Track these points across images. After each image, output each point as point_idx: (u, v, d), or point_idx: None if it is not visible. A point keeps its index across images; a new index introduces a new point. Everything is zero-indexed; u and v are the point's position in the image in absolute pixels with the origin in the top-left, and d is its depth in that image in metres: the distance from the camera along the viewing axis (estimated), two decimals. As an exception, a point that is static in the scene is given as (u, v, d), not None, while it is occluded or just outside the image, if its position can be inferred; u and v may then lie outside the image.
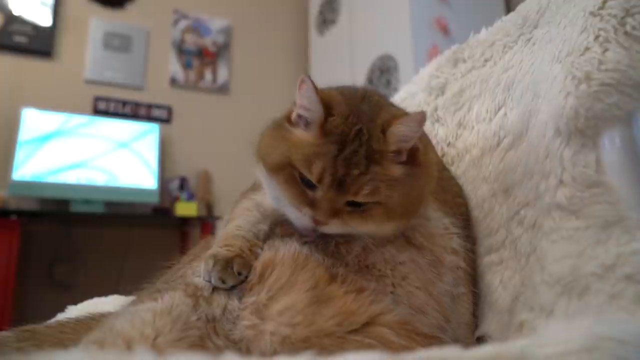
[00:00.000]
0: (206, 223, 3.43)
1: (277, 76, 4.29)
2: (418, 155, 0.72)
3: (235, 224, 0.76)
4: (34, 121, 3.12)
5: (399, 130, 0.67)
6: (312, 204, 0.67)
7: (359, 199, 0.66)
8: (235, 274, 0.66)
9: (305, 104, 0.69)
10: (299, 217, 0.69)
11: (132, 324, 0.54)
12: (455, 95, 1.05)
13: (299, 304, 0.62)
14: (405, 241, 0.74)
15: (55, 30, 3.52)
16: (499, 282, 0.79)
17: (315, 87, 0.68)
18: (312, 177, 0.66)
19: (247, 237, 0.73)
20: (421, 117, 0.67)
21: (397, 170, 0.69)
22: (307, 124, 0.70)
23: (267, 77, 4.27)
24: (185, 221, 3.50)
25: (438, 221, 0.79)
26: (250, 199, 0.83)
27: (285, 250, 0.70)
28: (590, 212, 0.60)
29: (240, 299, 0.64)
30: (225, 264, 0.66)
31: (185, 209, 3.42)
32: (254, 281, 0.67)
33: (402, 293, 0.70)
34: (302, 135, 0.70)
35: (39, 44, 3.44)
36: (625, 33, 0.62)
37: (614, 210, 0.58)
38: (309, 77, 0.68)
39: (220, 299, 0.64)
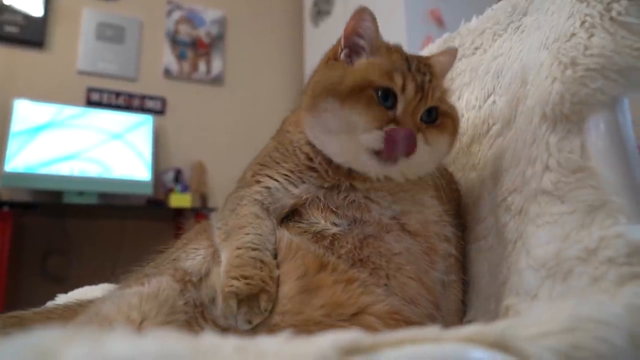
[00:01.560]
0: (200, 214, 3.43)
1: (272, 67, 4.28)
2: None
3: (247, 239, 0.68)
4: (26, 112, 3.10)
5: (439, 61, 0.80)
6: (395, 121, 0.69)
7: (434, 103, 0.72)
8: (263, 312, 0.61)
9: (366, 33, 0.76)
10: (379, 137, 0.68)
11: (119, 308, 0.55)
12: (446, 84, 1.06)
13: (288, 292, 0.63)
14: (400, 229, 0.75)
15: (47, 21, 3.49)
16: (487, 268, 0.79)
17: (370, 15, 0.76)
18: (396, 87, 0.69)
19: (265, 261, 0.66)
20: (454, 52, 0.83)
21: (445, 86, 0.79)
22: (360, 55, 0.76)
23: (262, 68, 4.25)
24: (179, 212, 3.49)
25: (433, 208, 0.79)
26: (254, 200, 0.76)
27: (278, 239, 0.70)
28: (575, 196, 0.60)
29: None
30: (251, 303, 0.60)
31: (180, 200, 3.42)
32: None
33: (396, 284, 0.70)
34: (371, 59, 0.74)
35: (30, 34, 3.41)
36: (611, 19, 0.62)
37: (598, 195, 0.58)
38: (367, 7, 0.75)
39: (210, 289, 0.65)
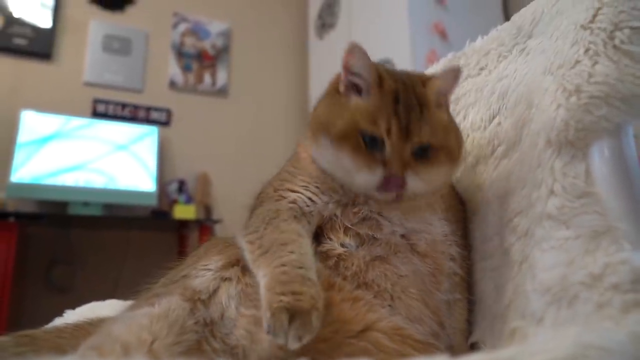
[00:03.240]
0: (204, 226, 3.44)
1: (276, 80, 4.31)
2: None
3: (293, 258, 0.66)
4: (32, 123, 3.12)
5: (438, 84, 0.78)
6: (382, 162, 0.71)
7: (423, 139, 0.72)
8: (314, 329, 0.58)
9: (359, 71, 0.76)
10: (371, 180, 0.72)
11: (129, 329, 0.55)
12: (452, 103, 1.07)
13: None
14: (409, 249, 0.76)
15: (55, 32, 3.53)
16: (493, 288, 0.80)
17: (367, 54, 0.75)
18: (381, 131, 0.71)
19: (312, 279, 0.65)
20: (456, 71, 0.79)
21: (444, 116, 0.79)
22: (359, 90, 0.77)
23: (266, 80, 4.28)
24: (183, 224, 3.51)
25: (440, 228, 0.80)
26: (294, 217, 0.76)
27: None
28: (580, 222, 0.61)
29: (237, 307, 0.65)
30: (304, 319, 0.58)
31: (184, 211, 3.43)
32: (254, 294, 0.67)
33: (400, 305, 0.71)
34: (359, 101, 0.75)
35: (38, 46, 3.45)
36: (614, 47, 0.63)
37: (603, 221, 0.59)
38: (358, 44, 0.74)
39: (218, 305, 0.65)
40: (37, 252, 3.18)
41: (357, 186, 0.75)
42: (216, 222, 3.48)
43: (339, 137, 0.73)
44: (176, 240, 3.62)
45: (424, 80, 0.79)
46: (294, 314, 0.57)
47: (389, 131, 0.71)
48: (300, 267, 0.65)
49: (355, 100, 0.76)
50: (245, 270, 0.71)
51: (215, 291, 0.67)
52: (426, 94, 0.76)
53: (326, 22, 3.98)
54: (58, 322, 0.95)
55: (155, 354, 0.53)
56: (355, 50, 0.74)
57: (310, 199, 0.78)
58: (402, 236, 0.77)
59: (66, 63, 3.56)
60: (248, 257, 0.71)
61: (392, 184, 0.71)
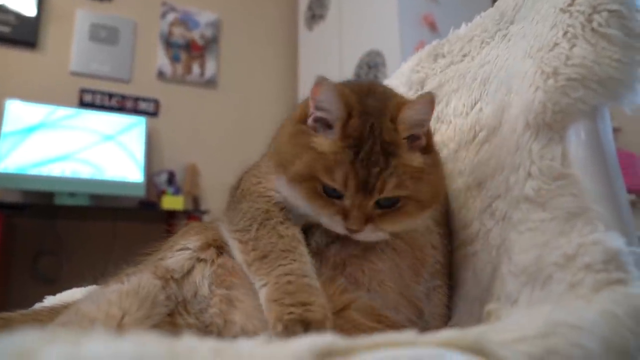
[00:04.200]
0: (193, 217, 3.43)
1: (266, 71, 4.29)
2: (431, 140, 0.73)
3: (296, 267, 0.64)
4: (18, 113, 3.08)
5: (409, 116, 0.67)
6: (342, 212, 0.66)
7: (387, 194, 0.66)
8: None
9: (326, 106, 0.68)
10: (332, 223, 0.68)
11: (98, 306, 0.55)
12: (434, 90, 1.07)
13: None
14: (386, 244, 0.74)
15: (40, 21, 3.48)
16: (472, 273, 0.80)
17: (336, 89, 0.67)
18: (337, 185, 0.65)
19: (318, 288, 0.63)
20: (429, 98, 0.67)
21: (416, 160, 0.68)
22: (327, 126, 0.69)
23: (256, 71, 4.26)
24: (171, 215, 3.49)
25: (422, 221, 0.79)
26: (288, 219, 0.73)
27: None
28: (556, 204, 0.61)
29: (209, 286, 0.65)
30: (319, 329, 0.56)
31: (172, 202, 3.41)
32: (227, 275, 0.67)
33: (376, 296, 0.71)
34: (322, 141, 0.67)
35: (23, 34, 3.40)
36: (592, 29, 0.63)
37: (578, 202, 0.59)
38: (326, 78, 0.66)
39: (192, 284, 0.65)
40: (23, 243, 3.15)
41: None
42: (204, 212, 3.47)
43: (296, 180, 0.69)
44: (164, 231, 3.59)
45: (394, 112, 0.68)
46: (308, 325, 0.55)
47: (345, 185, 0.65)
48: (305, 276, 0.63)
49: (318, 139, 0.68)
50: (220, 251, 0.71)
51: (189, 271, 0.67)
52: (396, 136, 0.67)
53: (316, 13, 3.96)
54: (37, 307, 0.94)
55: (125, 328, 0.53)
56: (323, 84, 0.66)
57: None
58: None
59: (52, 52, 3.52)
60: (240, 257, 0.68)
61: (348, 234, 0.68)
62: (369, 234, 0.67)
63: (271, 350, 0.34)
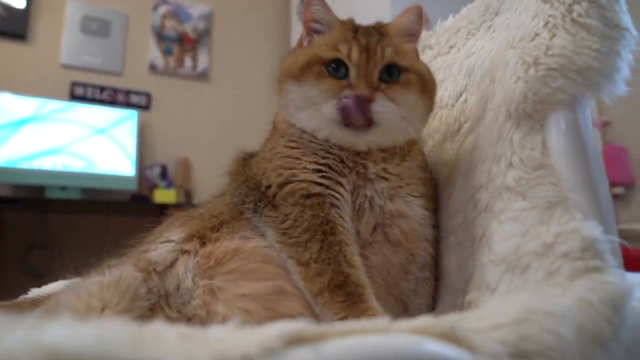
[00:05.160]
0: (185, 210, 3.42)
1: (258, 63, 4.26)
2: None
3: (375, 312, 0.63)
4: (8, 106, 3.06)
5: (397, 22, 0.80)
6: (350, 87, 0.71)
7: (387, 60, 0.73)
8: None
9: (319, 16, 0.79)
10: (331, 107, 0.72)
11: (78, 297, 0.55)
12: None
13: (261, 290, 0.63)
14: (383, 238, 0.76)
15: (29, 12, 3.44)
16: (456, 263, 0.81)
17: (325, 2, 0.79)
18: (342, 55, 0.72)
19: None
20: (416, 8, 0.79)
21: (407, 45, 0.79)
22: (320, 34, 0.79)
23: (248, 64, 4.24)
24: (164, 208, 3.47)
25: (419, 211, 0.80)
26: (353, 244, 0.71)
27: (256, 243, 0.70)
28: (536, 193, 0.61)
29: (193, 278, 0.65)
30: None
31: (164, 196, 3.40)
32: (210, 264, 0.66)
33: None
34: (321, 38, 0.78)
35: (12, 26, 3.36)
36: (572, 20, 0.63)
37: (557, 191, 0.60)
38: None
39: (175, 277, 0.65)
40: (13, 237, 3.13)
41: (324, 118, 0.73)
42: (196, 206, 3.46)
43: (301, 71, 0.75)
44: (156, 225, 3.58)
45: (382, 25, 0.81)
46: None
47: (349, 54, 0.72)
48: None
49: (316, 39, 0.78)
50: (203, 242, 0.70)
51: (172, 263, 0.67)
52: (387, 28, 0.79)
53: (309, 5, 3.94)
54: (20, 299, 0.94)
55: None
56: (315, 3, 0.78)
57: (340, 184, 0.74)
58: (375, 227, 0.75)
59: (42, 44, 3.48)
60: (300, 282, 0.67)
61: (354, 106, 0.69)
62: (382, 104, 0.71)
63: (240, 336, 0.34)
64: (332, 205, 0.72)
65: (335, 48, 0.73)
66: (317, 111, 0.74)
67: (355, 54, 0.72)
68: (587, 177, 0.60)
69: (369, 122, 0.71)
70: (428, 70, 0.82)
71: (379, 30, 0.78)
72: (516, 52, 0.69)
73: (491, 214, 0.69)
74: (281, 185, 0.74)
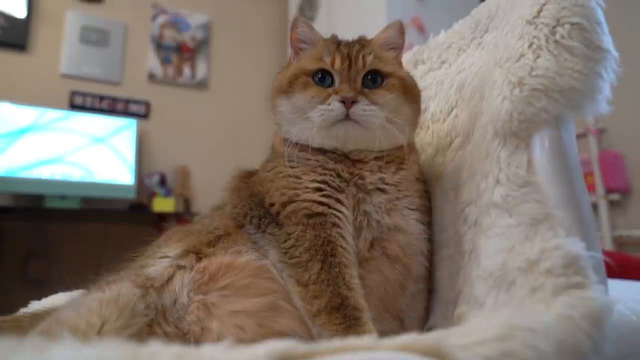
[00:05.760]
0: (183, 219, 3.43)
1: (256, 72, 4.29)
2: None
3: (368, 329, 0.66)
4: (8, 115, 3.08)
5: (380, 38, 0.86)
6: (335, 92, 0.76)
7: (369, 67, 0.78)
8: None
9: (304, 37, 0.85)
10: (326, 110, 0.76)
11: (79, 314, 0.56)
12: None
13: (254, 307, 0.65)
14: (381, 253, 0.77)
15: (30, 23, 3.48)
16: (447, 276, 0.82)
17: (310, 24, 0.86)
18: (326, 65, 0.78)
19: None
20: (397, 23, 0.86)
21: (389, 54, 0.84)
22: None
23: (246, 72, 4.27)
24: (162, 217, 3.49)
25: (415, 227, 0.82)
26: (353, 265, 0.73)
27: (247, 258, 0.72)
28: (521, 210, 0.63)
29: (188, 294, 0.66)
30: None
31: (163, 204, 3.42)
32: (204, 280, 0.68)
33: None
34: (305, 53, 0.84)
35: (13, 36, 3.40)
36: (555, 42, 0.66)
37: (542, 209, 0.61)
38: (300, 17, 0.86)
39: (172, 292, 0.66)
40: (12, 246, 3.14)
41: (316, 125, 0.77)
42: (195, 214, 3.47)
43: (290, 84, 0.80)
44: (155, 234, 3.59)
45: (365, 41, 0.86)
46: None
47: (333, 63, 0.78)
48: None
49: (302, 55, 0.84)
50: (199, 257, 0.72)
51: (169, 279, 0.68)
52: (369, 40, 0.86)
53: (306, 15, 3.97)
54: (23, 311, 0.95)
55: (105, 337, 0.54)
56: (298, 22, 0.85)
57: (340, 202, 0.76)
58: (372, 243, 0.77)
59: (42, 54, 3.51)
60: (299, 302, 0.68)
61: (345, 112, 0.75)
62: (364, 107, 0.75)
63: (232, 355, 0.35)
64: (334, 225, 0.73)
65: (320, 59, 0.79)
66: (306, 120, 0.78)
67: (338, 62, 0.78)
68: (570, 194, 0.62)
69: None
70: (410, 77, 0.86)
71: (360, 42, 0.84)
72: (503, 71, 0.72)
73: (480, 229, 0.71)
74: (284, 204, 0.76)
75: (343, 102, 0.74)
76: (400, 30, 0.86)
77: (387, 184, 0.80)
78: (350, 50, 0.80)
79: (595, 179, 2.97)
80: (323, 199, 0.75)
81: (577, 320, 0.49)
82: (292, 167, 0.79)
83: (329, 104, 0.75)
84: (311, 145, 0.80)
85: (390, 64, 0.82)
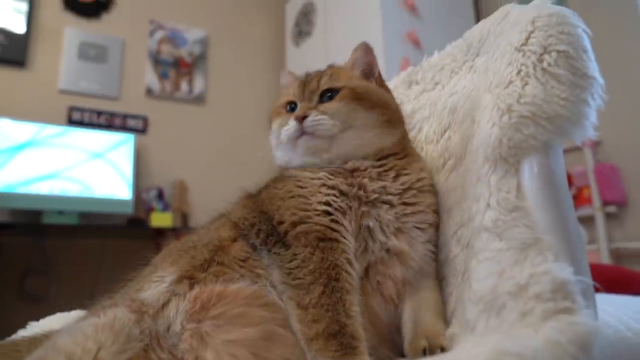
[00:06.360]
0: (181, 234, 3.43)
1: (253, 87, 4.32)
2: (383, 82, 0.97)
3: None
4: (6, 131, 3.09)
5: (349, 61, 0.97)
6: (296, 113, 0.87)
7: (323, 87, 0.88)
8: None
9: (285, 83, 1.00)
10: (286, 130, 0.86)
11: (74, 339, 0.57)
12: (408, 117, 1.10)
13: (248, 336, 0.64)
14: (374, 288, 0.78)
15: (28, 39, 3.51)
16: (441, 297, 0.83)
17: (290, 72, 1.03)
18: (291, 96, 0.92)
19: None
20: (363, 45, 0.95)
21: (347, 73, 0.93)
22: None
23: (243, 87, 4.30)
24: (160, 232, 3.49)
25: (421, 249, 0.82)
26: (354, 290, 0.73)
27: (238, 285, 0.71)
28: (511, 234, 0.64)
29: (182, 322, 0.66)
30: None
31: (161, 219, 3.42)
32: (196, 309, 0.67)
33: None
34: (283, 92, 0.98)
35: (12, 52, 3.42)
36: (543, 69, 0.67)
37: (531, 234, 0.63)
38: (287, 72, 1.03)
39: (166, 318, 0.67)
40: (10, 262, 3.13)
41: (285, 141, 0.87)
42: (193, 229, 3.47)
43: (275, 114, 0.95)
44: (153, 249, 3.59)
45: (333, 69, 0.97)
46: None
47: (295, 93, 0.91)
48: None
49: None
50: (192, 283, 0.72)
51: (164, 305, 0.68)
52: (335, 66, 0.98)
53: (303, 30, 4.02)
54: (21, 334, 0.96)
55: None
56: (280, 75, 1.05)
57: (346, 228, 0.77)
58: (367, 271, 0.77)
59: (41, 70, 3.54)
60: (296, 325, 0.69)
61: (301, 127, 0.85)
62: (313, 118, 0.84)
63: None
64: (343, 251, 0.74)
65: (289, 94, 0.93)
66: (282, 143, 0.89)
67: (298, 93, 0.91)
68: (559, 219, 0.63)
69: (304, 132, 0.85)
70: (366, 86, 0.92)
71: (326, 70, 0.95)
72: (492, 97, 0.73)
73: (472, 252, 0.72)
74: (295, 224, 0.76)
75: (298, 120, 0.84)
76: (366, 50, 0.96)
77: (390, 194, 0.80)
78: (308, 79, 0.92)
79: (591, 191, 2.98)
80: (334, 225, 0.75)
81: (565, 346, 0.50)
82: (301, 187, 0.81)
83: (287, 124, 0.86)
84: (293, 165, 0.88)
85: (344, 80, 0.90)
